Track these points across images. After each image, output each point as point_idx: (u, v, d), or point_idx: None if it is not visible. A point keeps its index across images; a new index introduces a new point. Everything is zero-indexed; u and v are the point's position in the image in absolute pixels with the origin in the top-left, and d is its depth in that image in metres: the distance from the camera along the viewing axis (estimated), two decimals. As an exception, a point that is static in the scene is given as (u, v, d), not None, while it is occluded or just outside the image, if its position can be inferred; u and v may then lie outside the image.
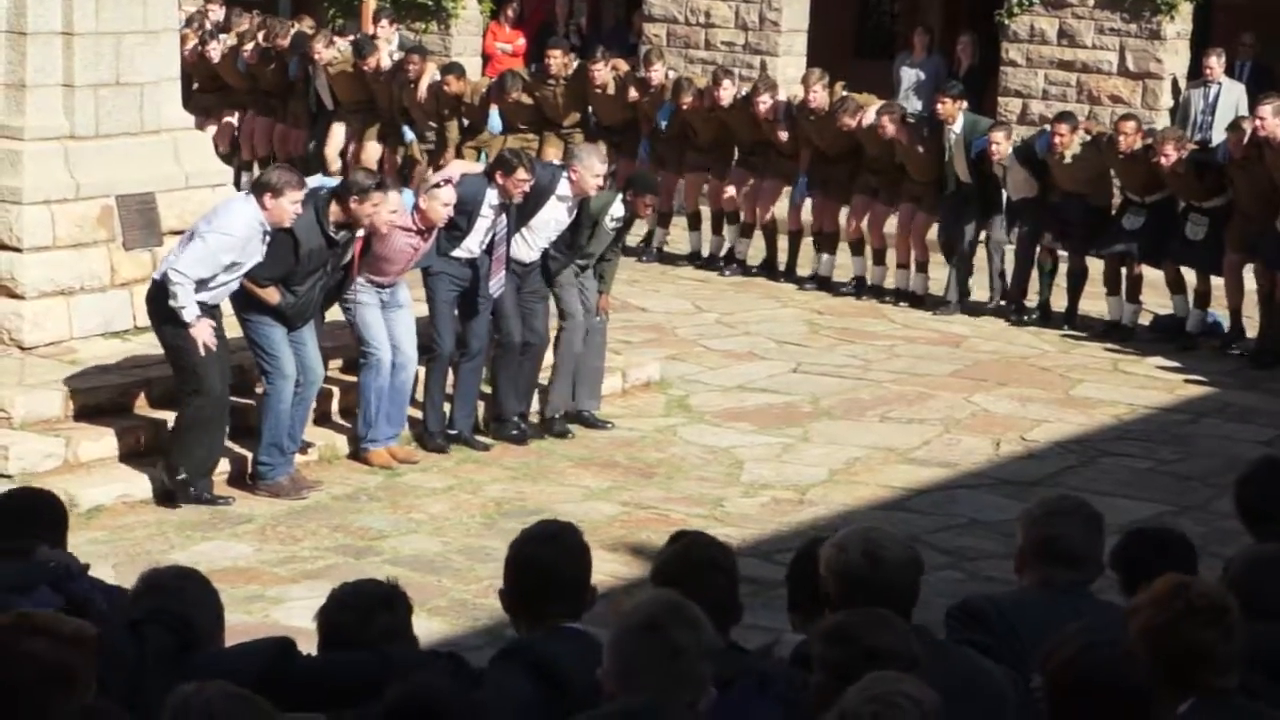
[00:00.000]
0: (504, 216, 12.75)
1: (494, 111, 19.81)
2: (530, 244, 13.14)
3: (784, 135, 18.34)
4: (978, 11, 23.61)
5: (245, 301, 11.64)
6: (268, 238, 11.34)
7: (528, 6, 26.02)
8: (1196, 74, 20.48)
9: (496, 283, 12.85)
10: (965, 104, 17.69)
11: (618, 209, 13.46)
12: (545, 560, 5.61)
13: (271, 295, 11.59)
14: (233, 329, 11.79)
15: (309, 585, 10.09)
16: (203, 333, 11.19)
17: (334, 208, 11.65)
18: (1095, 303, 17.22)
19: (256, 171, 20.78)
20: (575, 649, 5.34)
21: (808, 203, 18.66)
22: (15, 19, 12.84)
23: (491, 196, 12.69)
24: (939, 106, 17.57)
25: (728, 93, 18.67)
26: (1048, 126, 17.34)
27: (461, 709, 4.62)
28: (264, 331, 11.69)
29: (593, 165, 13.13)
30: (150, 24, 13.48)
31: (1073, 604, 5.70)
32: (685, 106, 18.85)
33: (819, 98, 18.10)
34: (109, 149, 13.21)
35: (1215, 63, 19.63)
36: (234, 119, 21.93)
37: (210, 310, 11.35)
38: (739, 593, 5.80)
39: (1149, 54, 20.78)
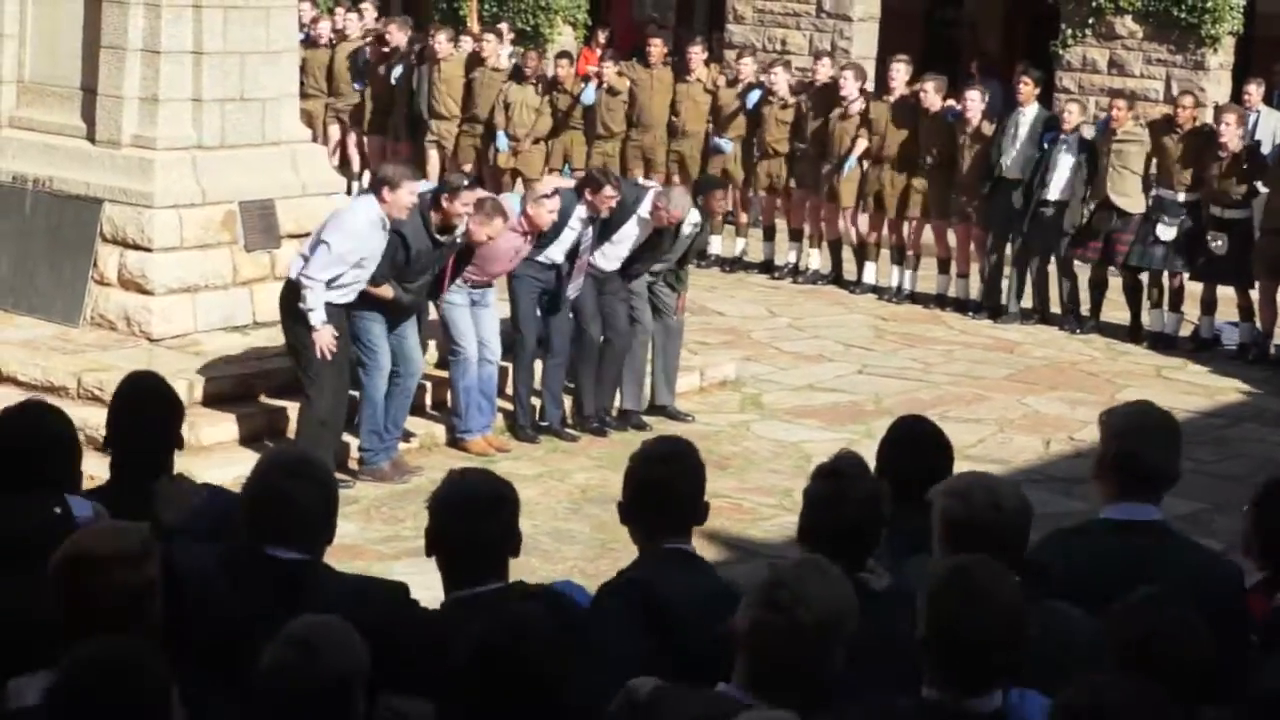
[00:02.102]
0: (590, 229, 12.77)
1: (590, 86, 19.79)
2: (609, 255, 13.13)
3: (859, 105, 18.20)
4: (1034, 41, 23.50)
5: (357, 297, 11.68)
6: (389, 232, 11.37)
7: (618, 32, 26.04)
8: (1237, 102, 20.29)
9: (575, 286, 12.86)
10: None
11: (693, 215, 13.44)
12: (662, 478, 5.44)
13: (386, 292, 11.63)
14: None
15: (410, 562, 10.10)
16: (324, 338, 11.23)
17: (434, 212, 11.70)
18: (1122, 311, 17.06)
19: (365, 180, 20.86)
20: (687, 582, 5.22)
21: (864, 218, 18.58)
22: (150, 39, 12.92)
23: (580, 210, 12.71)
24: (1021, 87, 17.46)
25: (825, 70, 18.70)
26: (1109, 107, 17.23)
27: (552, 643, 4.38)
28: (366, 326, 11.73)
29: (680, 207, 13.10)
30: (272, 45, 13.55)
31: (1146, 549, 5.42)
32: (771, 91, 18.79)
33: (899, 75, 18.07)
34: (233, 158, 13.28)
35: (1254, 91, 19.40)
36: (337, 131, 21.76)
37: (338, 312, 11.39)
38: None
39: (1193, 83, 20.60)
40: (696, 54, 19.72)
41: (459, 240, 11.90)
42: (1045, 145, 16.99)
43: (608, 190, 12.72)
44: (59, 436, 5.62)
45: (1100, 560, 5.36)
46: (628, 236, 13.13)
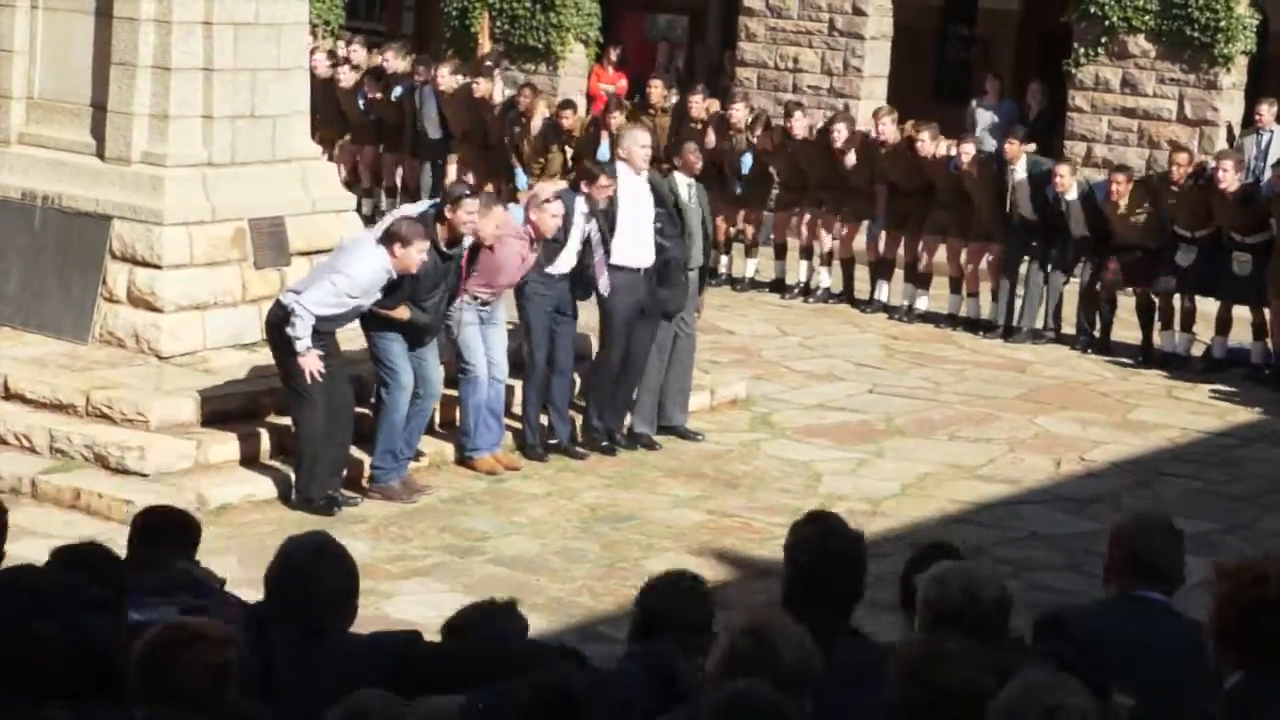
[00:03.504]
0: (594, 221, 12.77)
1: (604, 142, 19.80)
2: (634, 246, 13.04)
3: (851, 160, 18.23)
4: (1047, 60, 23.50)
5: (373, 318, 11.67)
6: (391, 281, 11.37)
7: (630, 50, 26.06)
8: (1250, 122, 20.28)
9: (604, 282, 12.85)
10: (1033, 146, 17.64)
11: (678, 180, 13.43)
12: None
13: (402, 313, 11.62)
14: (349, 342, 11.84)
15: (418, 581, 10.11)
16: (310, 363, 11.20)
17: (439, 226, 11.70)
18: (1134, 331, 17.04)
19: (381, 201, 20.88)
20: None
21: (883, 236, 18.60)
22: (160, 56, 12.93)
23: (581, 205, 12.72)
24: (1007, 147, 17.49)
25: (800, 124, 18.65)
26: (1108, 175, 17.23)
27: (601, 701, 4.49)
28: (385, 345, 11.72)
29: (636, 138, 13.16)
30: (283, 62, 13.57)
31: (1153, 618, 5.61)
32: (757, 144, 18.82)
33: (887, 130, 18.06)
34: (243, 175, 13.28)
35: (1266, 111, 19.41)
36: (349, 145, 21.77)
37: (327, 336, 11.39)
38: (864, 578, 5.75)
39: (1206, 103, 20.60)
40: (698, 103, 19.65)
41: (464, 248, 11.90)
42: (1051, 198, 17.03)
43: (602, 180, 12.81)
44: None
45: (1109, 628, 5.58)
46: (634, 211, 13.03)
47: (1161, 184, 16.68)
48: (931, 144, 17.73)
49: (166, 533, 6.40)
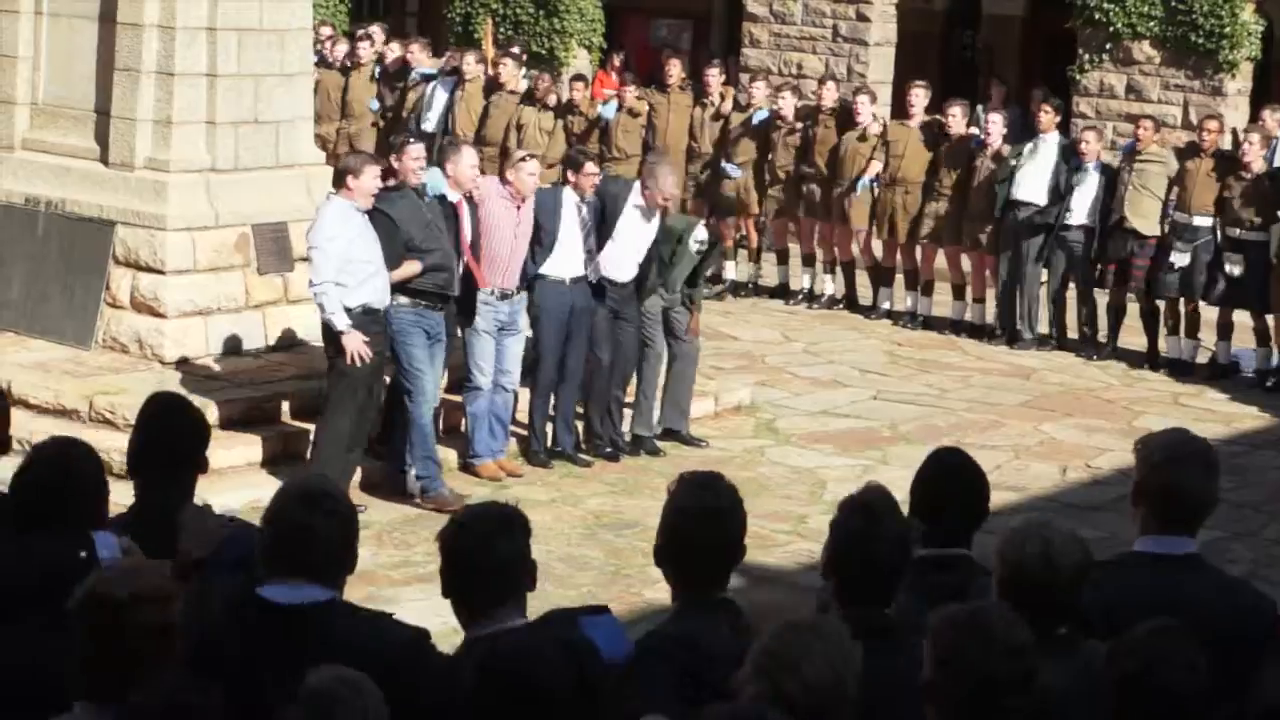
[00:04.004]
0: (584, 210, 12.78)
1: (611, 103, 19.81)
2: (619, 261, 13.06)
3: (875, 129, 18.28)
4: (1051, 66, 23.49)
5: (396, 320, 11.71)
6: (366, 216, 11.39)
7: (634, 56, 26.06)
8: (1256, 128, 20.28)
9: (594, 270, 12.87)
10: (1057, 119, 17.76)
11: (700, 233, 13.42)
12: (707, 534, 5.22)
13: (413, 267, 11.68)
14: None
15: (420, 588, 10.08)
16: (353, 342, 11.18)
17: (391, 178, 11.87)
18: (1139, 337, 17.04)
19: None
20: (734, 640, 4.98)
21: (878, 243, 18.58)
22: (164, 61, 12.94)
23: (570, 196, 12.74)
24: (1041, 115, 17.43)
25: (829, 96, 18.72)
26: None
27: (554, 675, 4.27)
28: (410, 352, 11.73)
29: (666, 184, 13.12)
30: (286, 68, 13.57)
31: (1177, 583, 5.38)
32: (779, 115, 18.87)
33: (918, 100, 18.12)
34: (246, 181, 13.28)
35: (1269, 117, 19.41)
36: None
37: (372, 315, 11.36)
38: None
39: (1211, 109, 20.58)
40: (714, 76, 19.75)
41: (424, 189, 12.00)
42: (1066, 173, 16.97)
43: (589, 166, 12.83)
44: (86, 476, 5.56)
45: (1130, 594, 5.31)
46: (630, 232, 13.04)
47: (1190, 151, 16.63)
48: (962, 120, 17.72)
49: (175, 422, 6.14)
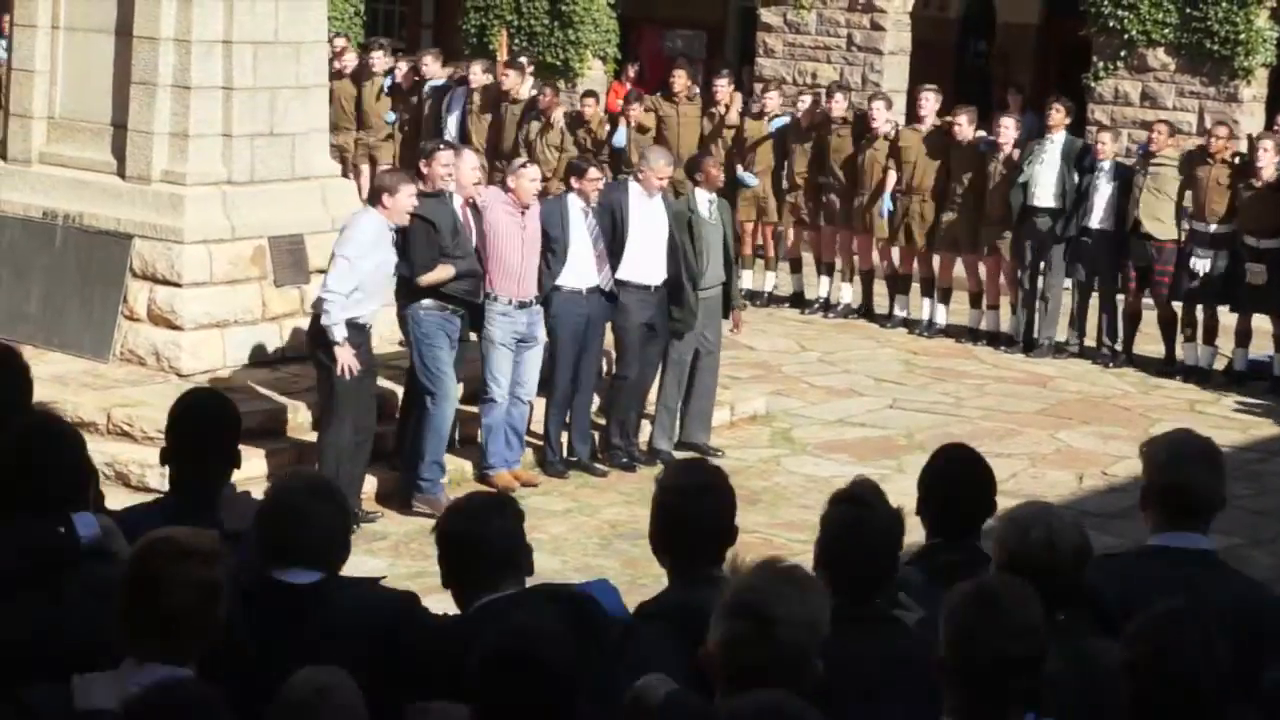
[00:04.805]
0: (591, 216, 12.79)
1: (621, 129, 19.84)
2: (646, 262, 13.05)
3: (888, 131, 18.31)
4: (1066, 73, 23.48)
5: (418, 323, 11.73)
6: (395, 237, 11.44)
7: (647, 67, 26.09)
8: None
9: (605, 277, 12.86)
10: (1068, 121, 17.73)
11: (702, 195, 13.39)
12: (695, 512, 5.33)
13: (447, 271, 11.72)
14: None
15: (438, 598, 10.06)
16: (345, 356, 11.23)
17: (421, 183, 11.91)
18: (1156, 345, 17.03)
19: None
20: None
21: (895, 250, 18.60)
22: (180, 75, 12.98)
23: (575, 203, 12.75)
24: (1053, 113, 17.42)
25: (840, 104, 18.71)
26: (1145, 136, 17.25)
27: (560, 656, 4.37)
28: (434, 355, 11.78)
29: (658, 165, 13.16)
30: (302, 80, 13.60)
31: (1190, 577, 5.38)
32: (799, 115, 18.90)
33: (928, 105, 18.11)
34: (263, 194, 13.32)
35: (1286, 123, 19.45)
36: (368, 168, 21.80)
37: (359, 331, 11.39)
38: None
39: (1226, 115, 20.56)
40: (723, 86, 19.78)
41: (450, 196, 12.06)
42: (1082, 174, 16.96)
43: (592, 172, 12.86)
44: (65, 453, 5.48)
45: (1143, 587, 5.30)
46: (641, 225, 13.01)
47: (1199, 157, 16.60)
48: (969, 126, 17.72)
49: (210, 415, 6.22)
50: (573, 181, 12.92)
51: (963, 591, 4.44)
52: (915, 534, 5.73)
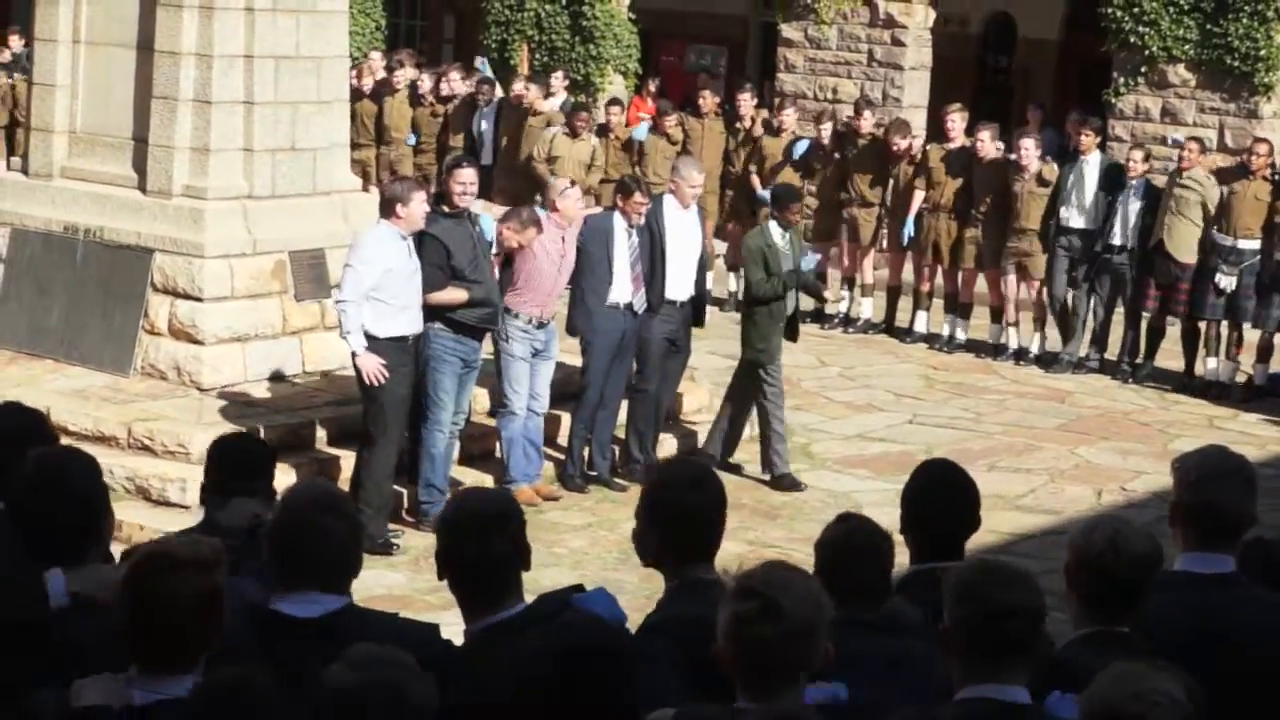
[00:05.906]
0: (634, 237, 12.78)
1: (644, 124, 19.88)
2: (679, 279, 13.06)
3: (913, 149, 18.36)
4: (1086, 89, 23.47)
5: (428, 344, 11.72)
6: (410, 243, 11.42)
7: (668, 82, 26.11)
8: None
9: (639, 298, 12.87)
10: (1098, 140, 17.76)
11: (774, 229, 13.27)
12: (695, 506, 5.37)
13: (459, 294, 11.67)
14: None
15: (457, 613, 10.07)
16: (367, 364, 11.21)
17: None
18: (1176, 360, 16.99)
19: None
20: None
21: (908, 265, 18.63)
22: (201, 89, 13.00)
23: (620, 223, 12.76)
24: (1082, 138, 17.42)
25: (868, 121, 18.78)
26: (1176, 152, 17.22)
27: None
28: (438, 378, 11.75)
29: (690, 175, 13.13)
30: (323, 95, 13.63)
31: (1219, 604, 5.35)
32: (820, 145, 18.98)
33: (956, 126, 18.07)
34: (283, 208, 13.33)
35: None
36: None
37: (400, 344, 11.37)
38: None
39: (1246, 131, 20.52)
40: (746, 101, 19.83)
41: (477, 220, 12.00)
42: (1112, 192, 16.95)
43: (637, 196, 12.81)
44: (69, 498, 5.30)
45: (1172, 612, 5.29)
46: (677, 240, 13.01)
47: (1239, 172, 16.57)
48: (991, 144, 17.71)
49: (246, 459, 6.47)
50: (619, 200, 12.90)
51: (962, 565, 4.60)
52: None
